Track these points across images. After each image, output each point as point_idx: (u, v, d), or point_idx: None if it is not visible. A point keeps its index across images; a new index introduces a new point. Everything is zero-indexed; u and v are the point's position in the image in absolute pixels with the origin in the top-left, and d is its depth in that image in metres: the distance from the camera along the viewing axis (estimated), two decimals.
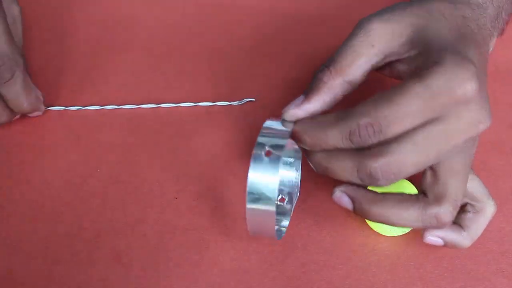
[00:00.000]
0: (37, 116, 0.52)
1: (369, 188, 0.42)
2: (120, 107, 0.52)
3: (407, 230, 0.46)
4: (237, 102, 0.49)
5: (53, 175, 0.50)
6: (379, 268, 0.46)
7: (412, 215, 0.40)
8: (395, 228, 0.45)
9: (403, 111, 0.37)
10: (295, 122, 0.41)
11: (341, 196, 0.42)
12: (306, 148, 0.41)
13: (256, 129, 0.41)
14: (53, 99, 0.53)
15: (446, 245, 0.44)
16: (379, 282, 0.45)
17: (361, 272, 0.45)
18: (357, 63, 0.41)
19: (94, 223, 0.47)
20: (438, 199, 0.40)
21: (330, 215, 0.48)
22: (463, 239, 0.44)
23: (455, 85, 0.37)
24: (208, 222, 0.47)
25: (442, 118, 0.38)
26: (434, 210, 0.40)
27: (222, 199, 0.49)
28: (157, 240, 0.47)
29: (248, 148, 0.51)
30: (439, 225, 0.40)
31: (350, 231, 0.47)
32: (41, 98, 0.51)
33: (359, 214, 0.42)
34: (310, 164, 0.42)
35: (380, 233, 0.47)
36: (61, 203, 0.48)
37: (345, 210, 0.48)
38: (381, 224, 0.46)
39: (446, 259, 0.46)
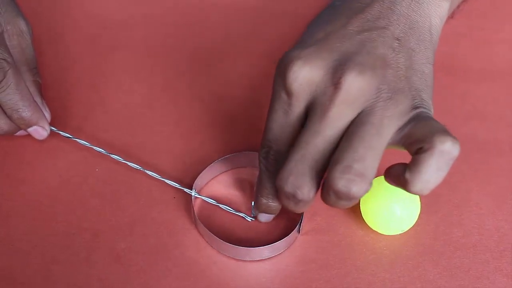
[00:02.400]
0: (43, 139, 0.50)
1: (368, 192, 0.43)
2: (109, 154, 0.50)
3: (406, 229, 0.46)
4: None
5: (51, 174, 0.50)
6: (378, 267, 0.46)
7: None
8: (394, 227, 0.46)
9: (274, 128, 0.41)
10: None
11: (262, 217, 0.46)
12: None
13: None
14: (52, 101, 0.53)
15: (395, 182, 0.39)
16: (377, 281, 0.45)
17: (360, 271, 0.45)
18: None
19: (92, 223, 0.47)
20: (330, 168, 0.37)
21: (328, 214, 0.48)
22: (407, 182, 0.37)
23: (280, 79, 0.40)
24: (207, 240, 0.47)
25: (308, 112, 0.39)
26: (329, 184, 0.37)
27: (221, 196, 0.49)
28: (156, 240, 0.46)
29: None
30: (334, 197, 0.38)
31: (348, 230, 0.47)
32: (48, 116, 0.50)
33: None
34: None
35: (379, 232, 0.46)
36: (59, 202, 0.48)
37: (344, 209, 0.48)
38: (379, 223, 0.46)
39: (445, 258, 0.46)
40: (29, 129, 0.48)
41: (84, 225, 0.47)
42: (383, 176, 0.47)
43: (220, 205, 0.47)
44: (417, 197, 0.46)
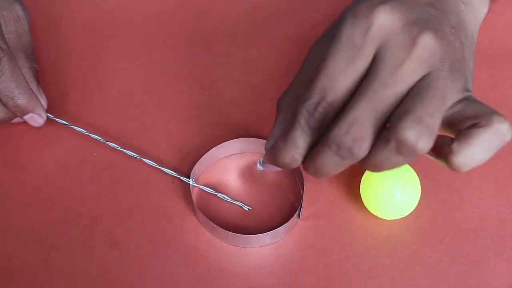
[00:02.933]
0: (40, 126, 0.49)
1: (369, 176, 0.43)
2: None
3: (406, 213, 0.46)
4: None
5: (49, 161, 0.49)
6: (378, 252, 0.45)
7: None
8: (394, 211, 0.45)
9: (332, 74, 0.36)
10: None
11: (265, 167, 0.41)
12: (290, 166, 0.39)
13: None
14: (48, 87, 0.53)
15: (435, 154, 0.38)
16: (378, 266, 0.45)
17: (360, 256, 0.45)
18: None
19: (90, 209, 0.47)
20: (399, 118, 0.35)
21: (328, 199, 0.48)
22: (452, 152, 0.36)
23: (360, 21, 0.36)
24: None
25: (375, 60, 0.36)
26: (395, 133, 0.35)
27: (220, 183, 0.48)
28: (154, 225, 0.46)
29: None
30: (394, 150, 0.35)
31: (348, 215, 0.47)
32: (44, 103, 0.49)
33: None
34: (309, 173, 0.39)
35: (379, 216, 0.46)
36: (57, 189, 0.48)
37: (344, 194, 0.48)
38: (380, 208, 0.45)
39: (445, 243, 0.46)
40: (25, 117, 0.48)
41: (82, 212, 0.47)
42: None
43: (218, 194, 0.47)
44: (418, 182, 0.46)
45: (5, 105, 0.47)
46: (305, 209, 0.47)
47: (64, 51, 0.56)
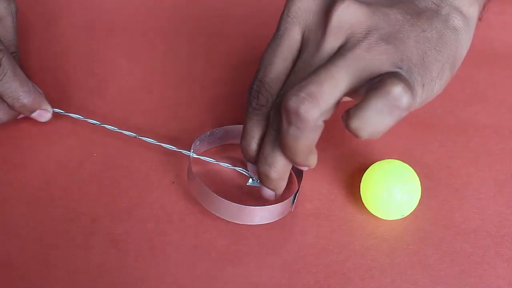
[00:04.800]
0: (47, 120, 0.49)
1: (369, 176, 0.43)
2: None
3: (406, 213, 0.46)
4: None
5: (49, 159, 0.49)
6: (378, 252, 0.45)
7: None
8: (394, 211, 0.45)
9: (267, 62, 0.41)
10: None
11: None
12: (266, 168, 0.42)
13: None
14: (48, 86, 0.53)
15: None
16: (378, 266, 0.45)
17: (360, 257, 0.45)
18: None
19: (90, 208, 0.47)
20: (286, 90, 0.40)
21: (328, 199, 0.48)
22: (348, 116, 0.37)
23: (285, 10, 0.40)
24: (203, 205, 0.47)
25: (302, 42, 0.40)
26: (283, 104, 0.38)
27: (220, 183, 0.48)
28: (154, 225, 0.46)
29: None
30: (286, 122, 0.38)
31: (348, 215, 0.47)
32: (42, 93, 0.49)
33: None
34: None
35: (379, 216, 0.46)
36: (57, 187, 0.48)
37: (344, 194, 0.48)
38: (379, 208, 0.45)
39: (446, 243, 0.46)
40: (33, 114, 0.48)
41: (82, 210, 0.47)
42: (383, 161, 0.47)
43: (220, 163, 0.47)
44: (418, 182, 0.46)
45: (12, 106, 0.47)
46: (305, 209, 0.47)
47: (64, 50, 0.56)
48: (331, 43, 0.38)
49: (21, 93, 0.46)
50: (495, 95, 0.53)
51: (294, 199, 0.46)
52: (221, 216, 0.45)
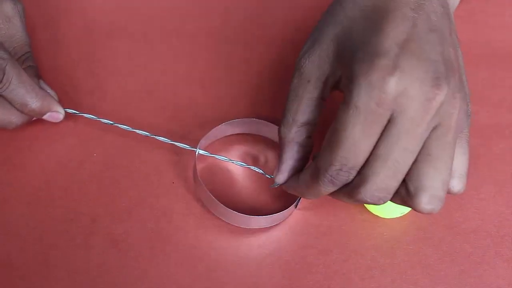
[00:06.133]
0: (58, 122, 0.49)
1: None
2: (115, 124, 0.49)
3: (405, 211, 0.46)
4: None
5: (49, 159, 0.49)
6: (378, 252, 0.45)
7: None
8: (393, 209, 0.45)
9: (351, 143, 0.37)
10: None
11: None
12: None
13: None
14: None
15: None
16: (378, 266, 0.45)
17: (360, 256, 0.45)
18: (301, 106, 0.41)
19: (90, 208, 0.47)
20: (416, 190, 0.38)
21: (328, 198, 0.47)
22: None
23: (376, 91, 0.35)
24: (206, 206, 0.47)
25: (391, 122, 0.37)
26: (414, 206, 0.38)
27: (219, 183, 0.48)
28: (154, 225, 0.46)
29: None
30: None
31: (348, 215, 0.47)
32: (54, 96, 0.49)
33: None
34: None
35: (378, 214, 0.46)
36: (57, 187, 0.48)
37: None
38: (380, 207, 0.45)
39: (446, 243, 0.46)
40: (44, 117, 0.48)
41: (82, 210, 0.47)
42: None
43: (234, 162, 0.47)
44: None
45: (21, 111, 0.47)
46: (305, 209, 0.47)
47: (64, 51, 0.56)
48: (428, 127, 0.37)
49: (29, 98, 0.46)
50: (495, 95, 0.53)
51: (297, 204, 0.46)
52: (227, 221, 0.46)
